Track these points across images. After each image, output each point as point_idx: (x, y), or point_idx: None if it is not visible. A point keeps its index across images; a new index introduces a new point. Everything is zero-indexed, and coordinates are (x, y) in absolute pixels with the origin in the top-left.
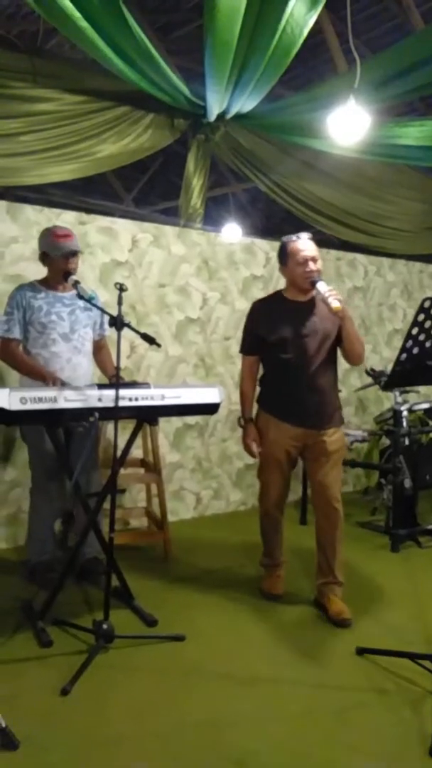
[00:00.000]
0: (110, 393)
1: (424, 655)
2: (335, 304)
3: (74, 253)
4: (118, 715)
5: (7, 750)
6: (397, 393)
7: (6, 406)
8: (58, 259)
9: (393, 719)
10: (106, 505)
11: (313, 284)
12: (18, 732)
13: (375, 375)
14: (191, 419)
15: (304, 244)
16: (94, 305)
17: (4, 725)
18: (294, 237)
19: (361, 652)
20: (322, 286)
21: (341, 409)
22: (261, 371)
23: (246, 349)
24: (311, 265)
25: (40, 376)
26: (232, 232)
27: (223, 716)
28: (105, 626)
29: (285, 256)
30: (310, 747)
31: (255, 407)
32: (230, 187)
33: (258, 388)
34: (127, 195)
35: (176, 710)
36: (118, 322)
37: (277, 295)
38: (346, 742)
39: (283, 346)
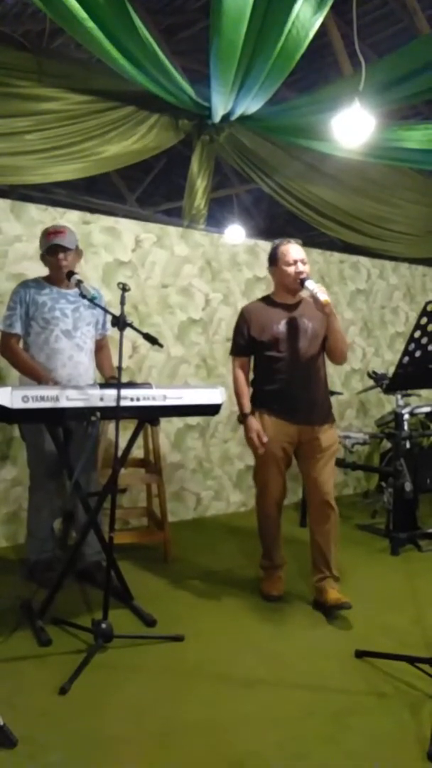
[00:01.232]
0: (112, 393)
1: (423, 659)
2: (323, 297)
3: (61, 249)
4: (117, 714)
5: (5, 748)
6: (399, 396)
7: (8, 404)
8: (49, 257)
9: (391, 722)
10: (107, 505)
11: (302, 283)
12: (16, 730)
13: (377, 378)
14: (192, 420)
15: (294, 247)
16: (97, 305)
17: (2, 723)
18: (285, 240)
19: (361, 654)
20: (310, 284)
21: (332, 407)
22: (251, 374)
23: (237, 351)
24: (300, 266)
25: (36, 375)
26: (235, 233)
27: (222, 717)
28: (104, 626)
29: (276, 257)
30: (309, 749)
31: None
32: (234, 188)
33: (250, 389)
34: (130, 195)
35: (175, 711)
36: (120, 322)
37: (266, 298)
38: (345, 744)
39: (275, 345)
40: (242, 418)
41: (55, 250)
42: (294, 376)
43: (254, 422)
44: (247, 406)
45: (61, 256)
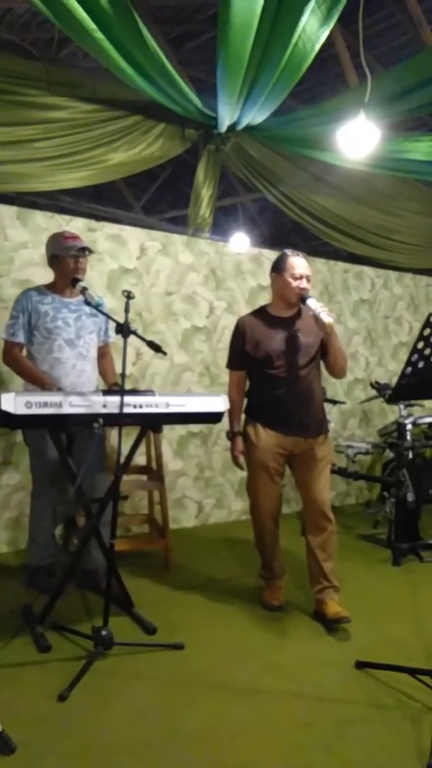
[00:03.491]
0: (115, 399)
1: (424, 670)
2: (328, 319)
3: (84, 251)
4: (116, 722)
5: (3, 755)
6: (402, 406)
7: (11, 410)
8: (67, 259)
9: (391, 734)
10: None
11: (303, 300)
12: (14, 737)
13: (379, 388)
14: (195, 427)
15: (302, 261)
16: (101, 312)
17: (0, 729)
18: (294, 252)
19: (361, 665)
20: (312, 303)
21: (326, 418)
22: (247, 384)
23: (233, 364)
24: (304, 282)
25: (40, 383)
26: (239, 242)
27: (222, 726)
28: (104, 633)
29: (283, 266)
30: (309, 759)
31: (243, 418)
32: (239, 197)
33: (245, 400)
34: (136, 203)
35: (174, 719)
36: (124, 330)
37: (262, 311)
38: (345, 755)
39: (269, 361)
40: (230, 436)
41: (79, 251)
42: (288, 391)
43: (239, 444)
44: (236, 426)
45: (82, 260)
